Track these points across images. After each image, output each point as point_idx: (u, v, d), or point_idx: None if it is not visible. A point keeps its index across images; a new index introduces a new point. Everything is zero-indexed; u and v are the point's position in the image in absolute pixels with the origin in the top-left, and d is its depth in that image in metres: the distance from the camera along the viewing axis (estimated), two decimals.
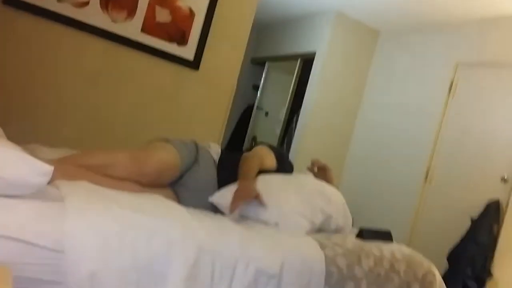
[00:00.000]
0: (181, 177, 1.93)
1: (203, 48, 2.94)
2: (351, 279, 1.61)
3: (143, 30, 2.75)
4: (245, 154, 2.06)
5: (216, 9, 2.96)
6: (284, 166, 2.17)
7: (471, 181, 3.39)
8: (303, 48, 4.73)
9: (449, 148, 3.64)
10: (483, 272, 2.99)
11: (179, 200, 1.86)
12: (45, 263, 1.13)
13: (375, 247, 1.77)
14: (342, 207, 1.97)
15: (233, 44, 3.11)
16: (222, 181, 1.96)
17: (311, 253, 1.59)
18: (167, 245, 1.29)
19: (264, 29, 5.46)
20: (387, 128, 4.22)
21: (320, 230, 1.86)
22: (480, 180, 3.33)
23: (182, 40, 2.88)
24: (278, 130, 4.87)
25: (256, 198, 1.78)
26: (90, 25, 2.61)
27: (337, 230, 1.93)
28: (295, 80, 4.78)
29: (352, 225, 2.08)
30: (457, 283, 2.98)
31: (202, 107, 3.05)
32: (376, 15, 4.29)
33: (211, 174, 1.99)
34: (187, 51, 2.90)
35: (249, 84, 5.60)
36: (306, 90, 4.50)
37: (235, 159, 2.05)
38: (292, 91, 4.79)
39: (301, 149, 4.35)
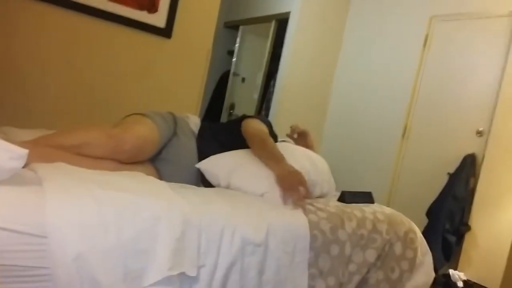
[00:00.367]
0: (160, 151, 1.89)
1: (175, 15, 2.85)
2: (335, 242, 1.63)
3: None
4: (247, 129, 1.95)
5: None
6: (273, 137, 2.15)
7: (447, 136, 3.45)
8: (277, 8, 4.63)
9: (425, 103, 3.68)
10: (461, 225, 3.09)
11: (160, 174, 1.84)
12: (29, 249, 1.11)
13: (357, 209, 1.79)
14: (326, 174, 1.98)
15: (205, 9, 3.03)
16: (203, 152, 1.93)
17: (295, 219, 1.60)
18: (151, 221, 1.28)
19: None
20: (364, 87, 4.22)
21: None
22: (456, 134, 3.39)
23: (152, 7, 2.77)
24: (256, 95, 4.83)
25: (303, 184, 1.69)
26: None
27: (321, 196, 1.94)
28: (270, 43, 4.70)
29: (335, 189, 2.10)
30: (437, 238, 3.07)
31: (177, 76, 2.99)
32: None
33: (191, 145, 1.96)
34: (158, 19, 2.80)
35: (223, 50, 5.49)
36: (282, 53, 4.44)
37: (215, 129, 2.02)
38: (268, 55, 4.72)
39: (279, 113, 4.33)
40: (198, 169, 1.89)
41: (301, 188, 1.68)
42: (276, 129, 2.31)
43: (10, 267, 1.09)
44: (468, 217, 3.11)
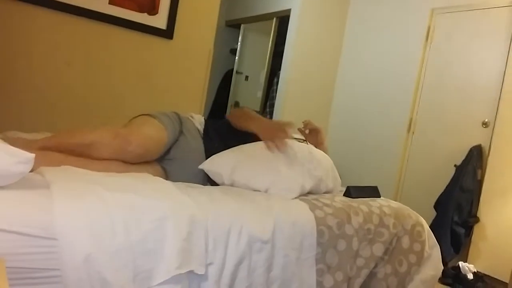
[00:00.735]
0: (168, 151, 1.90)
1: (175, 16, 2.86)
2: (342, 237, 1.64)
3: (111, 1, 2.65)
4: (232, 111, 2.03)
5: None
6: None
7: (453, 128, 3.43)
8: (278, 6, 4.63)
9: (429, 96, 3.66)
10: (470, 217, 3.07)
11: (167, 174, 1.85)
12: (38, 252, 1.12)
13: (363, 204, 1.79)
14: (331, 171, 1.98)
15: (206, 9, 3.03)
16: (209, 150, 1.94)
17: (302, 216, 1.60)
18: (158, 221, 1.29)
19: None
20: (368, 82, 4.21)
21: (310, 193, 1.86)
22: (462, 126, 3.37)
23: (152, 9, 2.78)
24: (259, 93, 4.83)
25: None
26: (56, 1, 2.50)
27: (327, 192, 1.94)
28: (272, 41, 4.70)
29: (340, 184, 2.10)
30: (445, 231, 3.06)
31: (180, 76, 2.99)
32: None
33: (198, 144, 1.96)
34: (159, 20, 2.81)
35: (226, 48, 5.49)
36: (284, 50, 4.43)
37: (219, 127, 2.03)
38: (270, 52, 4.72)
39: (284, 110, 4.33)
40: None
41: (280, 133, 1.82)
42: None
43: (20, 270, 1.09)
44: (476, 209, 3.10)
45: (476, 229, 3.10)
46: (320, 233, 1.58)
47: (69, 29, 2.60)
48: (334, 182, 1.98)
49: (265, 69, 4.74)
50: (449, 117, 3.47)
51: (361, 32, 4.40)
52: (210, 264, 1.37)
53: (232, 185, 1.80)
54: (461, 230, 3.08)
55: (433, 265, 1.86)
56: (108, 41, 2.71)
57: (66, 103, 2.65)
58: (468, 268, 2.83)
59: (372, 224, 1.72)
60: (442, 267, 1.91)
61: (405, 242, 1.79)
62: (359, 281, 1.67)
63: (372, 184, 2.11)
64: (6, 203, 1.14)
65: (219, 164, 1.81)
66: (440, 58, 3.61)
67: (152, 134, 1.80)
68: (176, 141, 1.91)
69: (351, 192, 1.90)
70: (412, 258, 1.79)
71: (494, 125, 3.12)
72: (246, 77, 5.18)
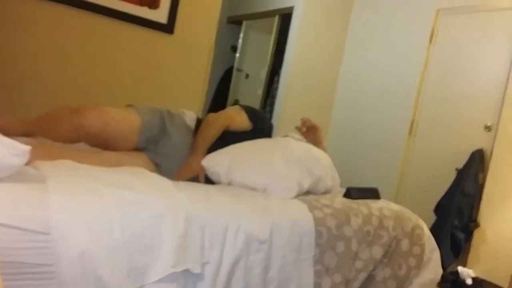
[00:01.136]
0: (157, 145, 1.88)
1: (176, 10, 2.83)
2: (341, 238, 1.62)
3: None
4: (208, 117, 2.01)
5: None
6: (261, 125, 2.12)
7: (455, 131, 3.41)
8: (281, 3, 4.60)
9: (432, 98, 3.64)
10: (470, 222, 3.05)
11: (160, 169, 1.83)
12: (33, 246, 1.10)
13: (363, 205, 1.77)
14: (330, 169, 1.96)
15: (207, 4, 3.00)
16: None
17: (300, 216, 1.59)
18: (155, 218, 1.28)
19: None
20: (370, 82, 4.19)
21: (308, 192, 1.84)
22: (464, 130, 3.35)
23: (153, 2, 2.75)
24: (260, 91, 4.81)
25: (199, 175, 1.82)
26: None
27: (326, 192, 1.92)
28: (274, 38, 4.67)
29: (340, 185, 2.07)
30: (445, 235, 3.04)
31: (181, 72, 2.97)
32: None
33: (188, 140, 1.95)
34: (160, 15, 2.78)
35: (227, 45, 5.46)
36: (286, 48, 4.41)
37: None
38: (271, 50, 4.69)
39: (284, 109, 4.30)
40: None
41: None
42: (279, 125, 2.30)
43: (14, 264, 1.08)
44: (477, 214, 3.08)
45: (476, 234, 3.07)
46: (318, 234, 1.56)
47: (70, 22, 2.58)
48: (333, 181, 1.96)
49: (266, 67, 4.72)
50: (451, 120, 3.45)
51: (364, 31, 4.37)
52: (206, 263, 1.35)
53: (229, 183, 1.78)
54: (461, 235, 3.05)
55: (433, 269, 1.84)
56: (108, 35, 2.69)
57: (67, 97, 2.62)
58: (467, 273, 2.80)
59: (372, 226, 1.70)
60: (442, 271, 1.89)
61: (405, 245, 1.77)
62: (357, 283, 1.65)
63: (373, 185, 2.09)
64: (0, 196, 1.12)
65: (216, 162, 1.79)
66: (444, 60, 3.58)
67: (111, 114, 1.80)
68: (164, 136, 1.90)
69: (351, 193, 1.88)
70: (412, 262, 1.77)
71: (496, 129, 3.09)
72: (247, 75, 5.16)
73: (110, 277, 1.17)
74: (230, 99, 5.19)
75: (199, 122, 2.05)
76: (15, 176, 1.21)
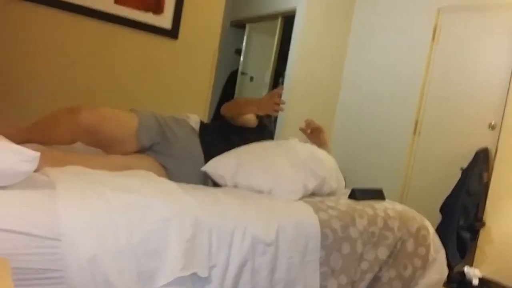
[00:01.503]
0: (163, 147, 1.90)
1: (180, 16, 2.85)
2: (347, 240, 1.62)
3: (117, 1, 2.65)
4: (223, 108, 2.08)
5: None
6: (266, 125, 2.19)
7: (459, 130, 3.40)
8: (283, 5, 4.61)
9: (435, 97, 3.63)
10: (476, 221, 3.05)
11: (168, 172, 1.85)
12: (43, 252, 1.12)
13: (368, 206, 1.78)
14: (334, 170, 1.96)
15: (211, 8, 3.02)
16: (207, 147, 1.94)
17: (306, 218, 1.60)
18: (162, 222, 1.29)
19: None
20: (374, 83, 4.18)
21: (313, 194, 1.86)
22: (468, 129, 3.34)
23: (157, 8, 2.78)
24: (264, 94, 4.82)
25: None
26: (62, 0, 2.50)
27: (331, 193, 1.93)
28: (277, 41, 4.68)
29: (345, 186, 2.08)
30: (451, 234, 3.03)
31: (185, 77, 2.99)
32: None
33: (193, 141, 1.97)
34: (164, 20, 2.81)
35: (231, 49, 5.48)
36: (290, 50, 4.42)
37: (214, 125, 2.05)
38: (275, 53, 4.70)
39: (288, 111, 4.29)
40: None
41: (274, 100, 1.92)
42: (284, 128, 2.32)
43: (24, 270, 1.09)
44: (482, 213, 3.07)
45: (482, 233, 3.06)
46: (324, 236, 1.57)
47: (75, 28, 2.60)
48: (338, 182, 1.97)
49: (270, 70, 4.73)
50: (455, 119, 3.44)
51: (366, 32, 4.37)
52: (214, 266, 1.37)
53: (235, 186, 1.79)
54: (467, 235, 3.05)
55: (438, 269, 1.84)
56: (113, 41, 2.71)
57: (71, 103, 2.64)
58: (473, 273, 2.80)
59: (377, 227, 1.71)
60: (447, 271, 1.89)
61: (410, 245, 1.77)
62: (363, 285, 1.66)
63: (378, 186, 2.10)
64: (10, 203, 1.15)
65: (221, 166, 1.81)
66: (447, 58, 3.58)
67: (112, 112, 1.83)
68: (168, 139, 1.91)
69: (356, 194, 1.89)
70: (417, 262, 1.78)
71: (500, 127, 3.08)
72: (251, 78, 5.17)
73: (119, 281, 1.18)
74: None
75: (202, 125, 2.07)
76: (25, 183, 1.23)
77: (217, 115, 5.24)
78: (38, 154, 1.24)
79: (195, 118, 2.11)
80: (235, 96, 5.22)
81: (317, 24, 4.34)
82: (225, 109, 2.09)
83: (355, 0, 4.51)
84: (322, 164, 1.89)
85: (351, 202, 1.80)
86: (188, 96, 3.02)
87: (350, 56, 4.51)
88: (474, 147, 3.19)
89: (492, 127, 3.16)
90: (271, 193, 1.74)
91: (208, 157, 1.91)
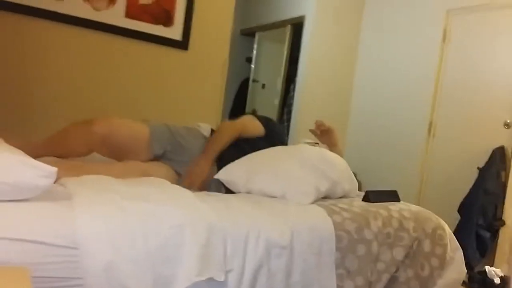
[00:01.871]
0: (177, 155, 1.94)
1: (190, 27, 2.90)
2: (362, 242, 1.62)
3: (127, 15, 2.71)
4: (222, 123, 2.07)
5: None
6: (274, 130, 2.17)
7: (474, 130, 3.37)
8: (292, 13, 4.64)
9: (449, 98, 3.61)
10: (495, 220, 3.01)
11: (181, 177, 1.88)
12: (61, 261, 1.14)
13: (382, 208, 1.77)
14: (346, 172, 1.96)
15: (220, 19, 3.06)
16: (220, 157, 1.97)
17: (319, 221, 1.60)
18: (176, 229, 1.31)
19: None
20: (386, 86, 4.18)
21: (326, 197, 1.86)
22: (483, 128, 3.31)
23: (167, 20, 2.83)
24: (276, 101, 4.84)
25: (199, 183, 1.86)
26: (72, 16, 2.57)
27: (344, 196, 1.93)
28: (287, 48, 4.71)
29: (360, 189, 2.07)
30: (470, 234, 3.00)
31: (197, 87, 3.02)
32: None
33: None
34: (174, 32, 2.85)
35: (242, 57, 5.52)
36: (300, 57, 4.44)
37: None
38: (285, 60, 4.72)
39: (301, 117, 4.32)
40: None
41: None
42: (297, 134, 2.33)
43: (44, 279, 1.12)
44: (501, 212, 3.03)
45: (502, 232, 3.02)
46: (338, 238, 1.57)
47: (86, 43, 2.66)
48: (351, 184, 1.96)
49: (282, 76, 4.75)
50: (470, 119, 3.42)
51: (376, 35, 4.37)
52: (230, 270, 1.37)
53: (248, 192, 1.81)
54: (487, 234, 3.01)
55: (456, 268, 1.82)
56: (124, 54, 2.76)
57: (86, 116, 2.69)
58: (494, 272, 2.76)
59: (392, 228, 1.70)
60: (466, 271, 1.87)
61: (427, 245, 1.76)
62: (380, 285, 1.65)
63: (393, 188, 2.09)
64: (29, 214, 1.18)
65: (234, 173, 1.83)
66: (459, 59, 3.56)
67: (124, 122, 1.89)
68: (181, 145, 1.95)
69: (370, 196, 1.88)
70: (435, 262, 1.76)
71: None
72: (263, 85, 5.19)
73: (136, 287, 1.20)
74: (248, 110, 5.24)
75: (213, 133, 2.10)
76: (43, 194, 1.25)
77: None
78: (55, 169, 1.27)
79: (207, 127, 2.14)
80: (247, 103, 5.24)
81: (326, 30, 4.36)
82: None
83: (363, 5, 4.52)
84: (334, 167, 1.89)
85: (365, 204, 1.79)
86: (200, 105, 3.05)
87: (361, 60, 4.52)
88: (490, 146, 3.17)
89: (507, 125, 3.13)
90: (284, 197, 1.75)
91: (220, 165, 1.93)
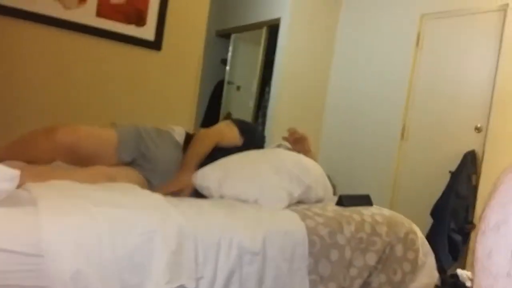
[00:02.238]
0: (146, 160, 1.89)
1: (163, 27, 2.85)
2: (335, 246, 1.62)
3: (98, 14, 2.64)
4: (199, 133, 2.04)
5: None
6: (252, 139, 2.13)
7: (446, 134, 3.43)
8: (267, 15, 4.63)
9: (421, 103, 3.66)
10: (466, 224, 3.05)
11: (151, 185, 1.83)
12: (26, 269, 1.11)
13: (355, 212, 1.77)
14: (321, 177, 1.96)
15: (194, 19, 3.02)
16: None
17: (292, 226, 1.59)
18: (146, 235, 1.28)
19: None
20: (360, 90, 4.21)
21: (301, 202, 1.85)
22: (455, 132, 3.36)
23: (140, 20, 2.77)
24: (251, 103, 4.82)
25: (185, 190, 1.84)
26: (42, 14, 2.49)
27: (318, 201, 1.92)
28: (263, 50, 4.70)
29: (334, 193, 2.07)
30: (443, 237, 3.04)
31: (170, 88, 2.98)
32: None
33: (177, 156, 1.97)
34: (147, 32, 2.80)
35: (217, 58, 5.49)
36: (275, 59, 4.43)
37: None
38: (261, 62, 4.71)
39: (276, 120, 4.31)
40: None
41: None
42: (272, 136, 2.31)
43: (7, 287, 1.08)
44: (472, 215, 3.08)
45: (473, 235, 3.07)
46: (311, 243, 1.56)
47: (56, 42, 2.59)
48: (325, 190, 1.96)
49: (257, 79, 4.74)
50: (442, 123, 3.47)
51: (352, 39, 4.41)
52: (201, 278, 1.35)
53: (221, 197, 1.78)
54: (458, 237, 3.05)
55: (428, 273, 1.84)
56: (96, 54, 2.70)
57: (57, 116, 2.62)
58: (466, 275, 2.80)
59: (365, 232, 1.70)
60: (437, 275, 1.89)
61: (399, 250, 1.77)
62: None
63: (367, 191, 2.09)
64: None
65: (207, 177, 1.81)
66: (431, 64, 3.61)
67: (90, 130, 1.84)
68: (150, 150, 1.91)
69: (343, 201, 1.88)
70: (407, 267, 1.77)
71: (486, 130, 3.11)
72: (238, 87, 5.17)
73: None
74: (223, 112, 5.20)
75: (188, 137, 2.05)
76: (6, 199, 1.21)
77: (205, 125, 5.23)
78: (18, 172, 1.23)
79: (180, 131, 2.10)
80: (222, 105, 5.21)
81: (302, 33, 4.37)
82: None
83: (339, 8, 4.55)
84: (308, 172, 1.88)
85: (338, 209, 1.79)
86: (174, 106, 3.00)
87: (335, 63, 4.54)
88: (462, 150, 3.22)
89: (478, 129, 3.19)
90: (257, 202, 1.73)
91: None
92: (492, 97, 3.10)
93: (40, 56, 2.56)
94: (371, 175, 3.95)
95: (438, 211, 3.21)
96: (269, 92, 4.52)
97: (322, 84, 4.54)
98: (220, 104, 5.23)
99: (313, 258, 1.56)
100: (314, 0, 4.43)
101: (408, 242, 1.79)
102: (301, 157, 2.00)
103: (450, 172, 3.24)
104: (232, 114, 5.08)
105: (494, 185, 0.44)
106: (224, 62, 5.37)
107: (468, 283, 2.74)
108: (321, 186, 1.92)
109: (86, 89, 2.71)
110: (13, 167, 1.27)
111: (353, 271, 1.65)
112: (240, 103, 5.08)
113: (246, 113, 4.81)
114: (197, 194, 1.87)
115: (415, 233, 1.84)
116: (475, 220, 3.06)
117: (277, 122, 4.29)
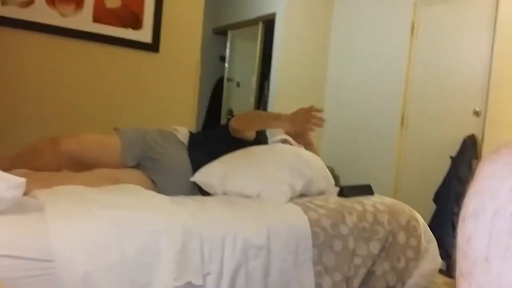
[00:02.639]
0: (151, 162, 1.92)
1: (160, 29, 2.87)
2: (338, 237, 1.64)
3: (95, 19, 2.67)
4: (233, 121, 2.01)
5: None
6: (262, 137, 2.17)
7: (445, 119, 3.44)
8: (263, 10, 4.64)
9: (419, 89, 3.67)
10: None
11: (157, 187, 1.85)
12: (36, 274, 1.14)
13: (357, 202, 1.80)
14: (322, 170, 1.98)
15: (190, 18, 3.04)
16: (196, 161, 1.95)
17: (295, 219, 1.61)
18: (152, 235, 1.31)
19: None
20: (358, 80, 4.22)
21: (302, 195, 1.87)
22: (454, 117, 3.38)
23: (136, 23, 2.80)
24: (252, 99, 4.84)
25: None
26: (39, 23, 2.52)
27: (320, 194, 1.94)
28: (260, 45, 4.71)
29: (337, 184, 2.10)
30: (446, 223, 3.06)
31: (170, 89, 3.00)
32: None
33: (182, 156, 1.97)
34: (144, 34, 2.83)
35: (215, 56, 5.50)
36: (273, 54, 4.45)
37: (205, 138, 2.05)
38: (259, 57, 4.72)
39: None
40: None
41: (311, 115, 1.80)
42: (273, 130, 2.34)
43: None
44: None
45: None
46: (315, 235, 1.59)
47: (54, 50, 2.61)
48: (327, 182, 1.98)
49: (256, 74, 4.76)
50: (440, 109, 3.48)
51: (347, 30, 4.41)
52: (207, 274, 1.38)
53: (224, 194, 1.81)
54: None
55: (431, 259, 1.86)
56: (95, 59, 2.72)
57: (58, 123, 2.65)
58: None
59: (367, 222, 1.73)
60: (440, 261, 1.92)
61: (401, 238, 1.79)
62: (358, 280, 1.67)
63: (370, 181, 2.11)
64: (0, 228, 1.16)
65: (209, 175, 1.83)
66: (427, 51, 3.62)
67: (94, 138, 1.88)
68: (156, 154, 1.92)
69: (345, 191, 1.91)
70: (410, 253, 1.80)
71: (485, 113, 3.12)
72: (238, 83, 5.19)
73: None
74: (224, 109, 5.23)
75: (191, 136, 2.08)
76: (14, 207, 1.24)
77: (207, 123, 5.25)
78: (23, 180, 1.25)
79: (184, 131, 2.11)
80: (223, 103, 5.23)
81: (297, 27, 4.38)
82: (239, 122, 1.99)
83: (333, 1, 4.55)
84: (309, 165, 1.90)
85: (340, 200, 1.82)
86: (174, 107, 3.03)
87: (333, 55, 4.55)
88: (461, 135, 3.23)
89: (477, 114, 3.20)
90: (260, 197, 1.75)
91: (196, 170, 1.92)
92: (489, 81, 3.11)
93: (40, 64, 2.59)
94: (373, 164, 3.97)
95: (440, 196, 3.23)
96: (268, 87, 4.54)
97: (320, 76, 4.56)
98: (221, 101, 5.25)
99: (317, 249, 1.59)
100: None
101: (410, 229, 1.82)
102: (302, 151, 2.02)
103: (450, 157, 3.26)
104: (233, 110, 5.11)
105: (474, 174, 0.47)
106: (223, 59, 5.38)
107: None
108: (323, 179, 1.95)
109: (87, 94, 2.74)
110: (17, 174, 1.30)
111: (357, 260, 1.68)
112: (240, 99, 5.10)
113: (247, 109, 4.83)
114: (201, 191, 1.90)
115: (416, 220, 1.87)
116: None
117: None
